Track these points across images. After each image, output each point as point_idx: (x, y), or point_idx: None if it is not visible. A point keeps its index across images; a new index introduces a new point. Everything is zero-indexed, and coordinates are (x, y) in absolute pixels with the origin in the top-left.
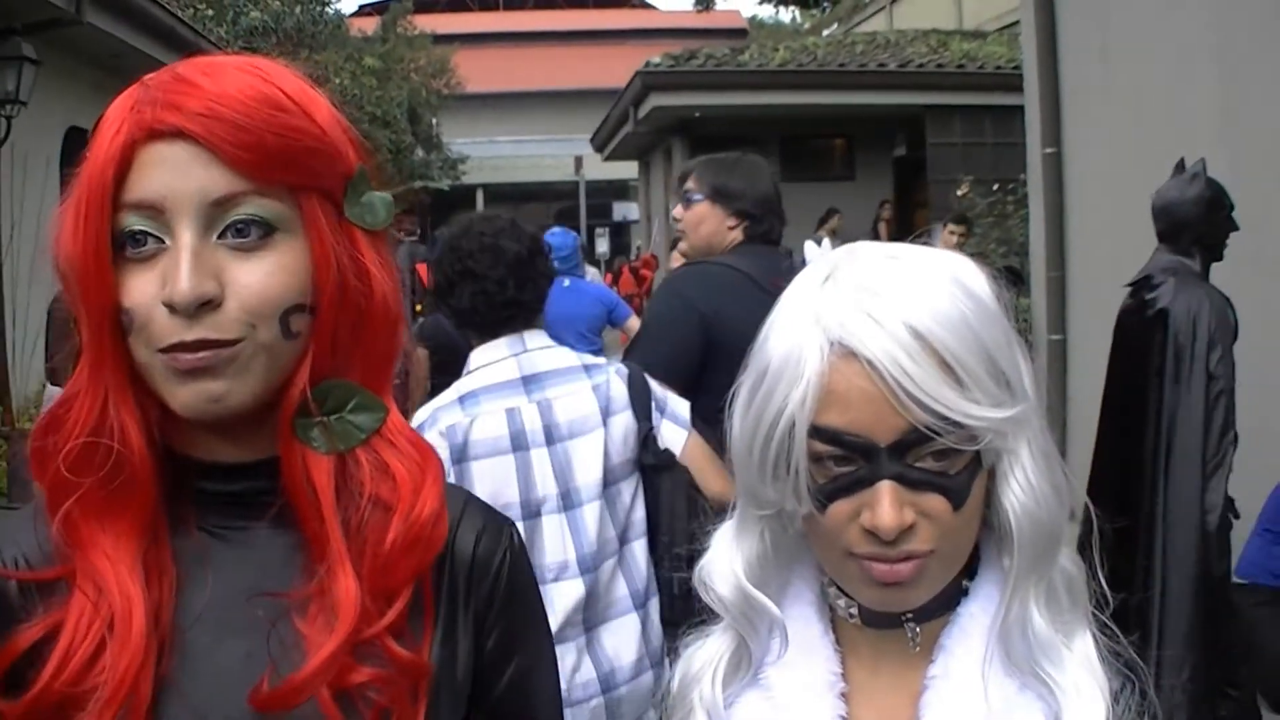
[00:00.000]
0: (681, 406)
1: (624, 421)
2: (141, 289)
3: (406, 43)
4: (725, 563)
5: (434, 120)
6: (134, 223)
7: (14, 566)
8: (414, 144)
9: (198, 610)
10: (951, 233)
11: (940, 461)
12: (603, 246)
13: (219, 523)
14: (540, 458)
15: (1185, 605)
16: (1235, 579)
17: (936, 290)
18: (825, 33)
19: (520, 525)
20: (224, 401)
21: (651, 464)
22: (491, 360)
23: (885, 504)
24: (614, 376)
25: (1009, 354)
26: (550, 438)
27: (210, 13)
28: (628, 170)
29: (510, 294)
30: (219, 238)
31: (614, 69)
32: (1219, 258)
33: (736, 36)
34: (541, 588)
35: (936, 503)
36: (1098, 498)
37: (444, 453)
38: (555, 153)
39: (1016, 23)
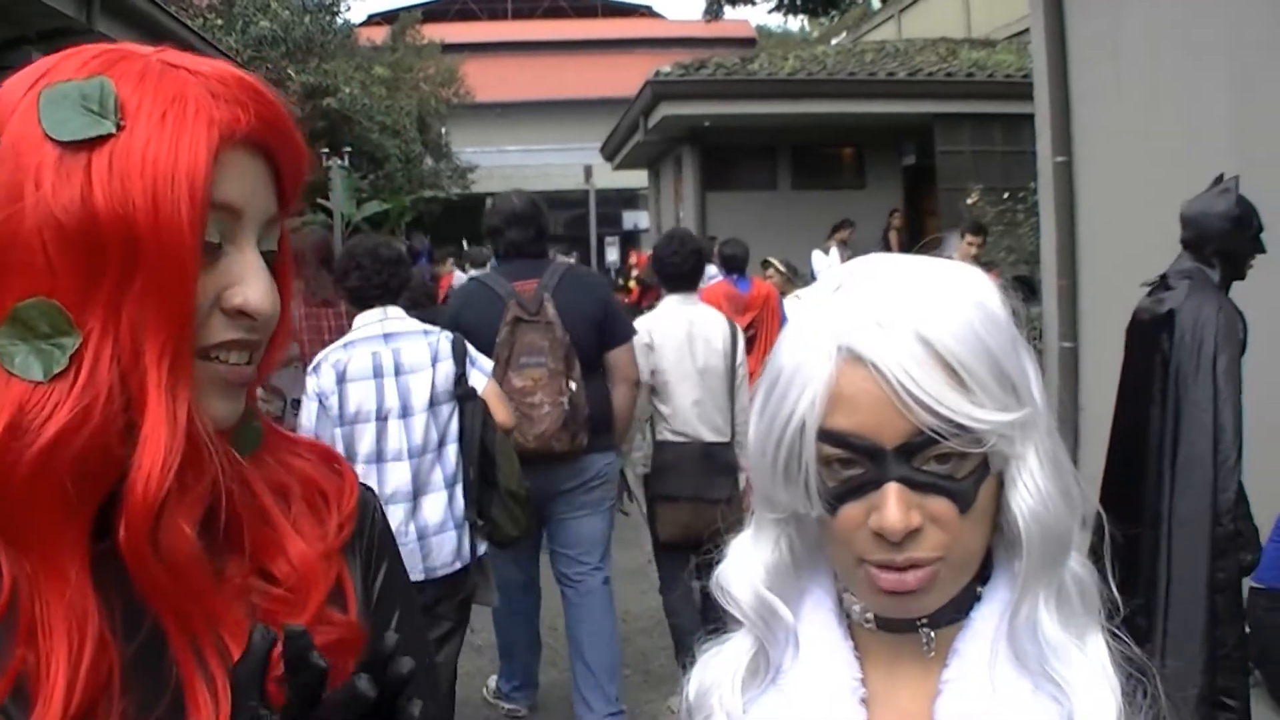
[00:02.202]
0: (487, 363)
1: (446, 367)
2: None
3: (415, 52)
4: (743, 569)
5: (443, 129)
6: (211, 222)
7: None
8: (423, 153)
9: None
10: (970, 243)
11: (946, 465)
12: (612, 255)
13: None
14: (390, 384)
15: (1197, 611)
16: (1253, 584)
17: (943, 297)
18: (834, 41)
19: (374, 424)
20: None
21: (459, 395)
22: (367, 321)
23: (892, 505)
24: (443, 339)
25: (1015, 360)
26: (398, 371)
27: (220, 22)
28: (637, 179)
29: (379, 280)
30: None
31: (623, 78)
32: (1241, 276)
33: (745, 46)
34: (384, 465)
35: (943, 506)
36: (1108, 504)
37: (332, 376)
38: (565, 162)
39: (1025, 31)
